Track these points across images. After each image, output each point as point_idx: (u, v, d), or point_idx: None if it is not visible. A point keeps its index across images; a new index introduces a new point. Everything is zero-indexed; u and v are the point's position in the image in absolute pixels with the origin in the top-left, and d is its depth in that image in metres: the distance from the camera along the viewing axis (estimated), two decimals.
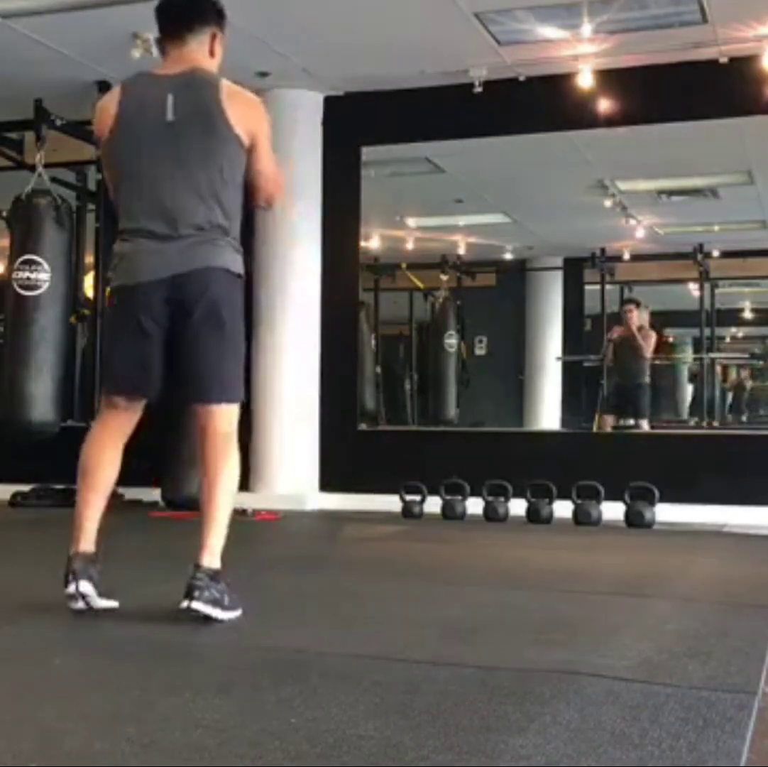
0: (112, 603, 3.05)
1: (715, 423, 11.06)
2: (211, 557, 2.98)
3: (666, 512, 6.16)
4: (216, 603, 2.86)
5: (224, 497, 3.06)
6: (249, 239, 7.20)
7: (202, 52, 3.27)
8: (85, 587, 2.96)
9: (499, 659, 2.50)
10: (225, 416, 3.11)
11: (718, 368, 11.88)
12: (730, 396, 12.79)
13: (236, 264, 3.12)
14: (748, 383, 13.08)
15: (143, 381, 3.23)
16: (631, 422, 9.73)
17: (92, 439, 3.32)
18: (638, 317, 9.76)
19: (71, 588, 2.94)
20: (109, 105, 3.25)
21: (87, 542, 3.17)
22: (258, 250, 7.17)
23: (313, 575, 3.62)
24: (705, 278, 10.30)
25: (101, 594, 3.02)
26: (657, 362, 10.49)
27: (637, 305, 9.78)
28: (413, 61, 6.74)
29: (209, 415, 3.12)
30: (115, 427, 3.38)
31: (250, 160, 3.17)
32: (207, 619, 2.82)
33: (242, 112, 3.15)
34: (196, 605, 2.82)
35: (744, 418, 12.46)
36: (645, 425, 9.45)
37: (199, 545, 2.99)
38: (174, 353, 3.10)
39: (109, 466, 3.41)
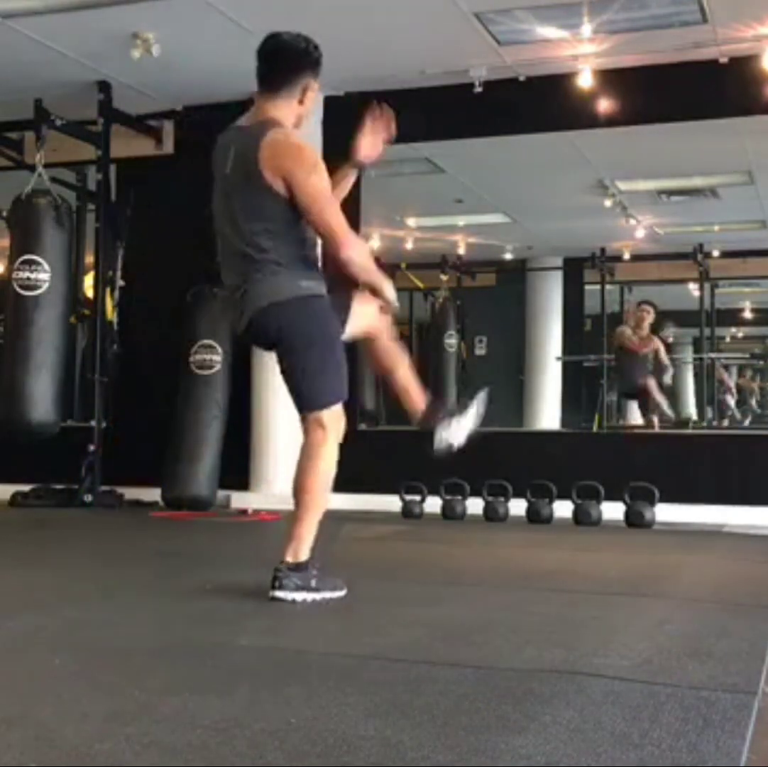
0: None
1: (724, 423, 11.09)
2: (294, 552, 3.25)
3: (666, 512, 6.16)
4: (298, 588, 3.18)
5: (303, 496, 3.34)
6: None
7: (289, 101, 3.32)
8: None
9: (499, 659, 2.50)
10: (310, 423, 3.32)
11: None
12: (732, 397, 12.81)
13: (295, 289, 3.24)
14: (754, 385, 13.11)
15: None
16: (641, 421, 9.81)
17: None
18: (651, 321, 9.83)
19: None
20: (213, 155, 3.42)
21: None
22: None
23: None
24: (705, 278, 10.30)
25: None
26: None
27: (655, 307, 9.81)
28: (413, 61, 6.75)
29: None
30: None
31: (299, 208, 3.21)
32: (294, 603, 3.15)
33: (275, 160, 3.18)
34: (278, 593, 3.16)
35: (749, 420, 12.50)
36: (656, 425, 9.48)
37: (284, 541, 3.29)
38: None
39: None
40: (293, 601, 3.17)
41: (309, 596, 3.20)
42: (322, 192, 3.22)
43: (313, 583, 3.22)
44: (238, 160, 3.25)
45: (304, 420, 3.34)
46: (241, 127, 3.36)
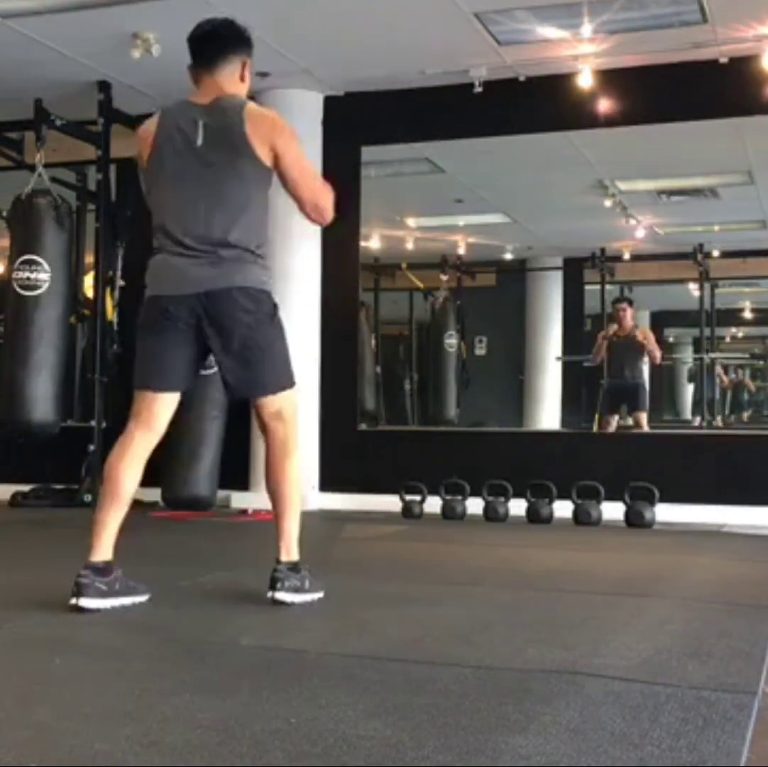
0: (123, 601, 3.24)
1: (717, 423, 11.07)
2: (287, 551, 3.32)
3: (666, 512, 6.16)
4: (297, 590, 3.23)
5: (283, 496, 3.51)
6: None
7: (232, 79, 3.41)
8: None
9: (499, 659, 2.50)
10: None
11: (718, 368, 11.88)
12: (728, 396, 12.79)
13: (262, 282, 3.30)
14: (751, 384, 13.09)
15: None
16: (630, 421, 9.75)
17: None
18: (633, 317, 9.81)
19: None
20: (147, 131, 3.41)
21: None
22: None
23: (312, 575, 3.62)
24: (705, 278, 10.29)
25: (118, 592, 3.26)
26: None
27: (631, 303, 9.80)
28: (413, 61, 6.74)
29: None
30: None
31: (281, 174, 3.30)
32: (291, 606, 3.19)
33: (261, 130, 3.27)
34: (280, 595, 3.20)
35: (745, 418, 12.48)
36: (644, 424, 9.47)
37: (276, 540, 3.36)
38: (203, 354, 3.42)
39: None
40: (292, 603, 3.21)
41: (304, 597, 3.25)
42: (306, 163, 3.37)
43: (307, 584, 3.28)
44: (214, 134, 3.28)
45: (264, 412, 3.41)
46: (201, 104, 3.36)
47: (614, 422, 9.62)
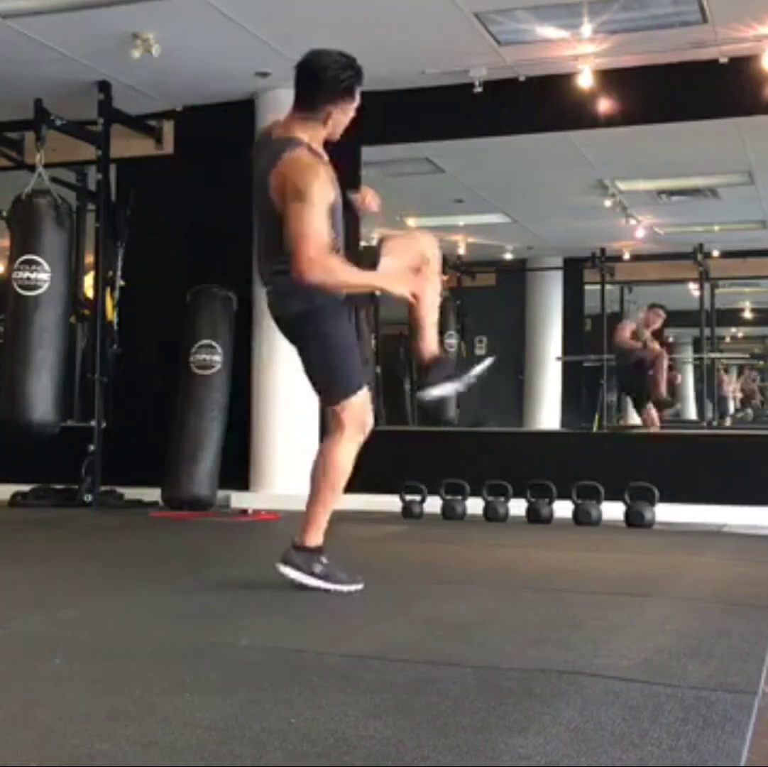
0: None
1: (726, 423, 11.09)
2: (302, 535, 3.43)
3: (666, 512, 6.16)
4: (298, 568, 3.36)
5: (316, 483, 3.57)
6: (251, 234, 7.23)
7: (312, 120, 3.44)
8: None
9: (499, 659, 2.50)
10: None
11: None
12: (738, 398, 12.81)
13: (303, 304, 3.39)
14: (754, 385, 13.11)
15: None
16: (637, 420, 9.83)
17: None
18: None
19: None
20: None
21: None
22: None
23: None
24: (705, 278, 10.28)
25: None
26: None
27: (666, 312, 9.89)
28: (413, 61, 6.75)
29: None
30: None
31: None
32: (294, 584, 3.35)
33: (280, 178, 3.32)
34: (281, 567, 3.37)
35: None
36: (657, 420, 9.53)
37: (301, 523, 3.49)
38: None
39: None
40: (292, 581, 3.34)
41: (306, 579, 3.34)
42: (297, 222, 3.25)
43: (317, 569, 3.36)
44: (261, 172, 3.41)
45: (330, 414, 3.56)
46: (271, 138, 3.47)
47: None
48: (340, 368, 3.46)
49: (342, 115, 3.46)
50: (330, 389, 3.50)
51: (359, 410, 3.48)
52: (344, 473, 3.52)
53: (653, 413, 9.60)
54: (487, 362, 3.76)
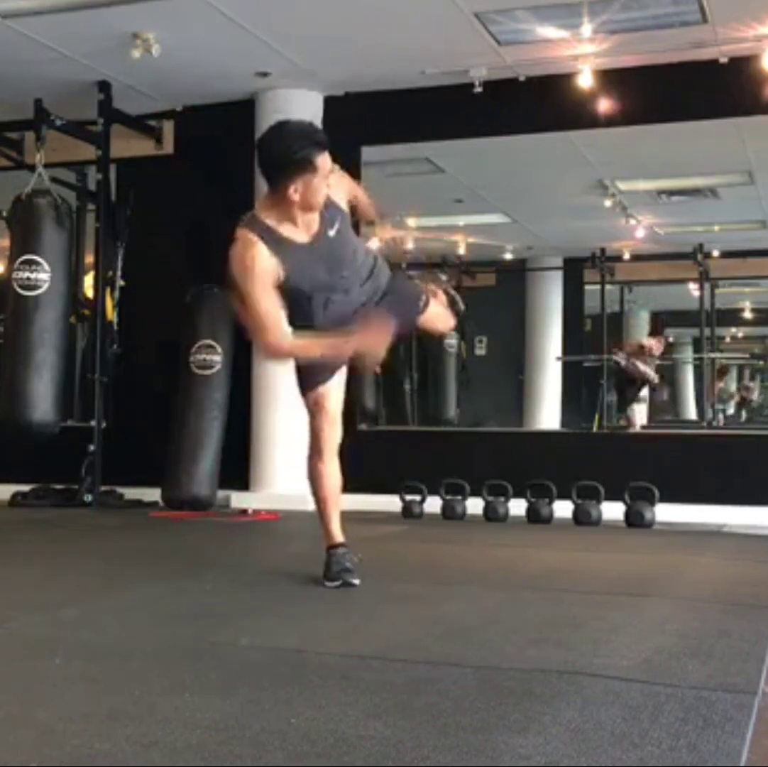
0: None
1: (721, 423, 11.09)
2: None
3: (666, 512, 6.16)
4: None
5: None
6: None
7: (278, 196, 3.41)
8: None
9: (499, 659, 2.50)
10: None
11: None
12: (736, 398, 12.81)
13: None
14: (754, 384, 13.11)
15: None
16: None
17: None
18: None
19: None
20: None
21: None
22: None
23: (313, 575, 3.62)
24: (705, 278, 10.28)
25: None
26: (658, 362, 10.52)
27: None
28: (413, 61, 6.74)
29: None
30: None
31: None
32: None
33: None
34: (357, 581, 3.53)
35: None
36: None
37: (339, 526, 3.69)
38: None
39: None
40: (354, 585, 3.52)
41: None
42: (247, 313, 3.35)
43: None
44: None
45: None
46: None
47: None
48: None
49: (306, 189, 3.34)
50: None
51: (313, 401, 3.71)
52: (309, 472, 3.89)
53: (635, 414, 9.68)
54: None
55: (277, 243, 3.36)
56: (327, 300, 3.49)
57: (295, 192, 3.33)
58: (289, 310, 3.43)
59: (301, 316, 3.46)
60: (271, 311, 3.31)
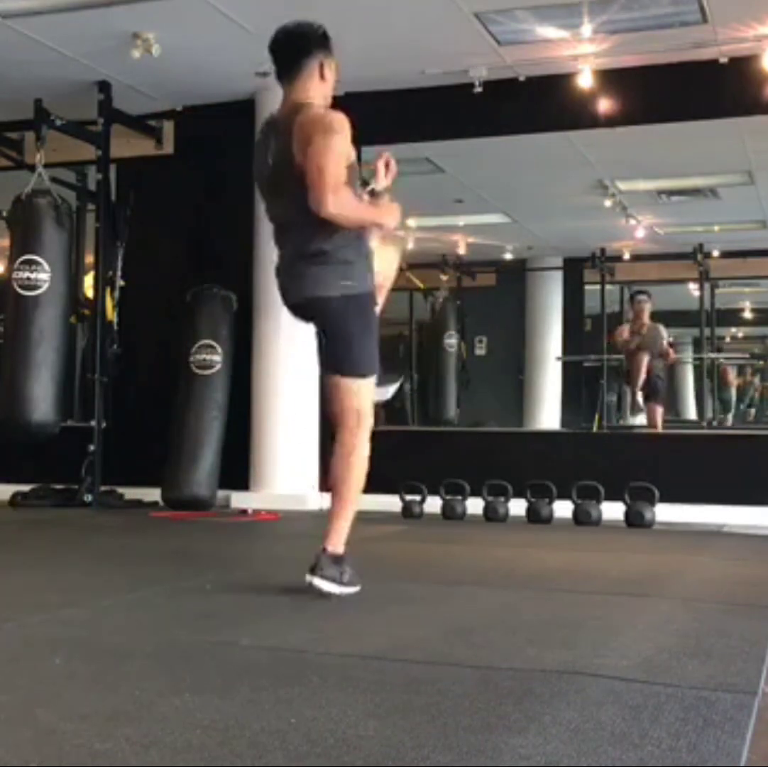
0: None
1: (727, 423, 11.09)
2: (335, 543, 3.37)
3: (666, 512, 6.16)
4: (333, 580, 3.27)
5: (341, 487, 3.53)
6: (251, 234, 7.23)
7: (311, 82, 3.49)
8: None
9: (499, 659, 2.50)
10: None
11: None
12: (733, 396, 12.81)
13: (338, 288, 3.38)
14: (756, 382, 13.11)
15: None
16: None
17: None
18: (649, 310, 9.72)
19: None
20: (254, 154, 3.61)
21: None
22: (260, 243, 7.18)
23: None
24: (705, 278, 10.29)
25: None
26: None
27: (649, 296, 9.68)
28: (413, 61, 6.74)
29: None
30: None
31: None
32: (326, 595, 3.25)
33: (300, 135, 3.34)
34: (317, 581, 3.25)
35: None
36: (659, 419, 9.44)
37: (326, 530, 3.40)
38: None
39: None
40: (329, 594, 3.26)
41: (338, 589, 3.29)
42: (323, 151, 3.29)
43: (345, 578, 3.32)
44: (278, 150, 3.42)
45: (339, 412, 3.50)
46: (275, 119, 3.52)
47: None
48: (371, 348, 3.52)
49: (329, 70, 3.50)
50: (356, 363, 3.49)
51: (370, 399, 3.54)
52: (364, 472, 3.57)
53: (656, 411, 9.53)
54: (395, 386, 3.84)
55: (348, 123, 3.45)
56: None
57: (324, 67, 3.48)
58: None
59: None
60: (341, 169, 3.34)
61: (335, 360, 3.49)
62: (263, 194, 3.60)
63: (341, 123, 3.37)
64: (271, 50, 3.54)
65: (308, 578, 3.26)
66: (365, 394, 3.50)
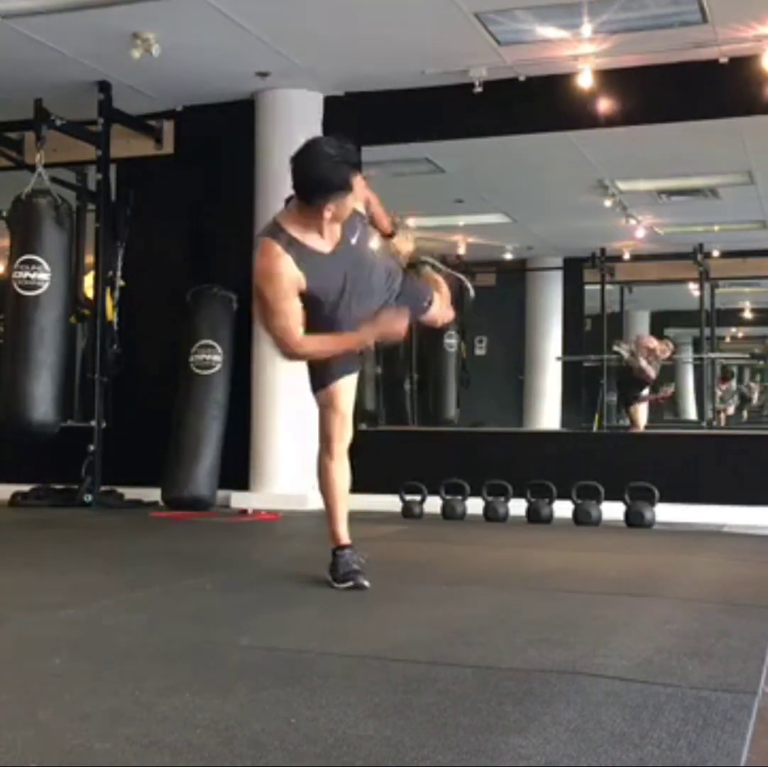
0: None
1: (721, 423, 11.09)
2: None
3: (666, 512, 6.16)
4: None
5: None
6: (251, 234, 7.23)
7: (309, 212, 3.45)
8: None
9: (499, 659, 2.50)
10: None
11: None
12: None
13: None
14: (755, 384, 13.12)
15: None
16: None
17: None
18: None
19: None
20: None
21: None
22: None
23: (313, 575, 3.62)
24: (705, 278, 10.29)
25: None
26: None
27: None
28: (413, 61, 6.74)
29: None
30: None
31: None
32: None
33: None
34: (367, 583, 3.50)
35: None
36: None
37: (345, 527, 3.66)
38: None
39: None
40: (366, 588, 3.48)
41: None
42: (264, 323, 3.47)
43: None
44: None
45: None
46: None
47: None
48: None
49: (341, 206, 3.42)
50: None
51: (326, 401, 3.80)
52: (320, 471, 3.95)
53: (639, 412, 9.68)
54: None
55: (301, 254, 3.40)
56: (348, 306, 3.53)
57: (328, 211, 3.39)
58: (311, 316, 3.46)
59: (322, 321, 3.49)
60: (291, 316, 3.38)
61: (355, 359, 3.68)
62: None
63: (268, 275, 3.37)
64: (291, 165, 3.42)
65: (367, 583, 3.49)
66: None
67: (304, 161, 3.40)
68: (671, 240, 10.63)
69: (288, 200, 3.54)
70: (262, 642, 2.69)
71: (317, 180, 3.36)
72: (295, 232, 3.41)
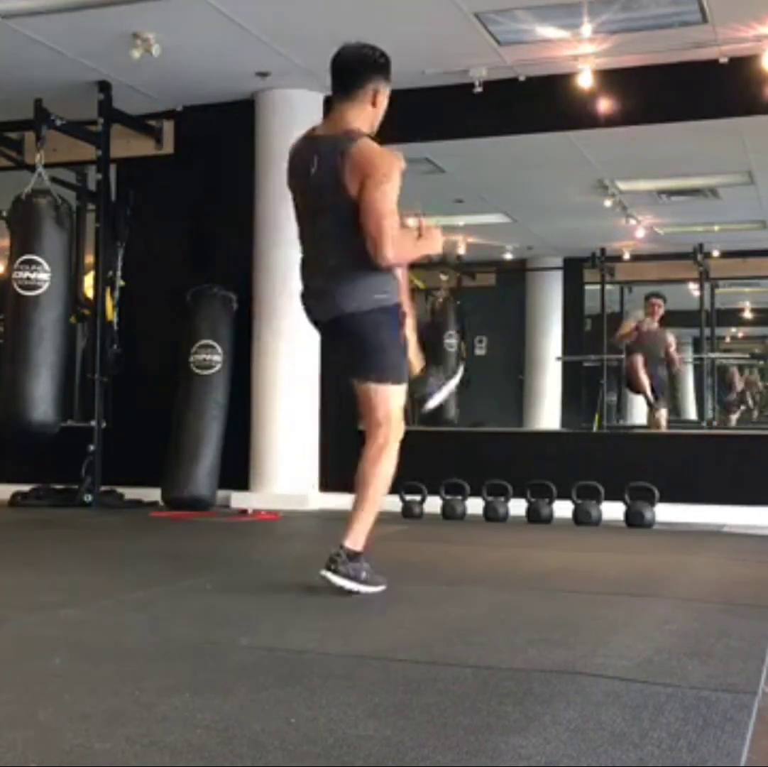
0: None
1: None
2: (353, 540, 3.41)
3: (666, 512, 6.16)
4: (348, 577, 3.33)
5: (366, 489, 3.68)
6: (251, 234, 7.24)
7: (363, 106, 3.55)
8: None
9: (499, 659, 2.50)
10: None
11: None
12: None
13: (373, 302, 3.48)
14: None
15: None
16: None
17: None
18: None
19: None
20: (288, 164, 3.67)
21: None
22: (260, 243, 7.19)
23: (313, 575, 3.62)
24: (705, 278, 10.29)
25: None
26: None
27: (664, 300, 9.69)
28: (413, 61, 6.74)
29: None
30: None
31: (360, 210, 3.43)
32: (341, 590, 3.30)
33: (356, 167, 3.41)
34: (331, 576, 3.31)
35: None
36: (663, 422, 9.43)
37: (345, 528, 3.45)
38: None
39: None
40: (341, 588, 3.31)
41: (356, 587, 3.33)
42: (382, 200, 3.42)
43: (363, 575, 3.36)
44: (323, 167, 3.46)
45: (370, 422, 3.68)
46: (324, 136, 3.56)
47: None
48: (401, 356, 3.62)
49: (383, 97, 3.57)
50: (388, 371, 3.61)
51: (400, 405, 3.69)
52: (390, 478, 3.74)
53: (661, 415, 9.51)
54: (456, 379, 3.98)
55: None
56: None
57: (377, 95, 3.54)
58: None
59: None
60: (397, 217, 3.46)
61: (368, 368, 3.58)
62: (300, 207, 3.62)
63: (398, 168, 3.51)
64: (333, 67, 3.58)
65: (322, 572, 3.31)
66: (395, 400, 3.67)
67: (351, 47, 3.57)
68: (671, 240, 10.63)
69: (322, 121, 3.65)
70: (262, 642, 2.69)
71: (369, 57, 3.54)
72: (368, 131, 3.55)
